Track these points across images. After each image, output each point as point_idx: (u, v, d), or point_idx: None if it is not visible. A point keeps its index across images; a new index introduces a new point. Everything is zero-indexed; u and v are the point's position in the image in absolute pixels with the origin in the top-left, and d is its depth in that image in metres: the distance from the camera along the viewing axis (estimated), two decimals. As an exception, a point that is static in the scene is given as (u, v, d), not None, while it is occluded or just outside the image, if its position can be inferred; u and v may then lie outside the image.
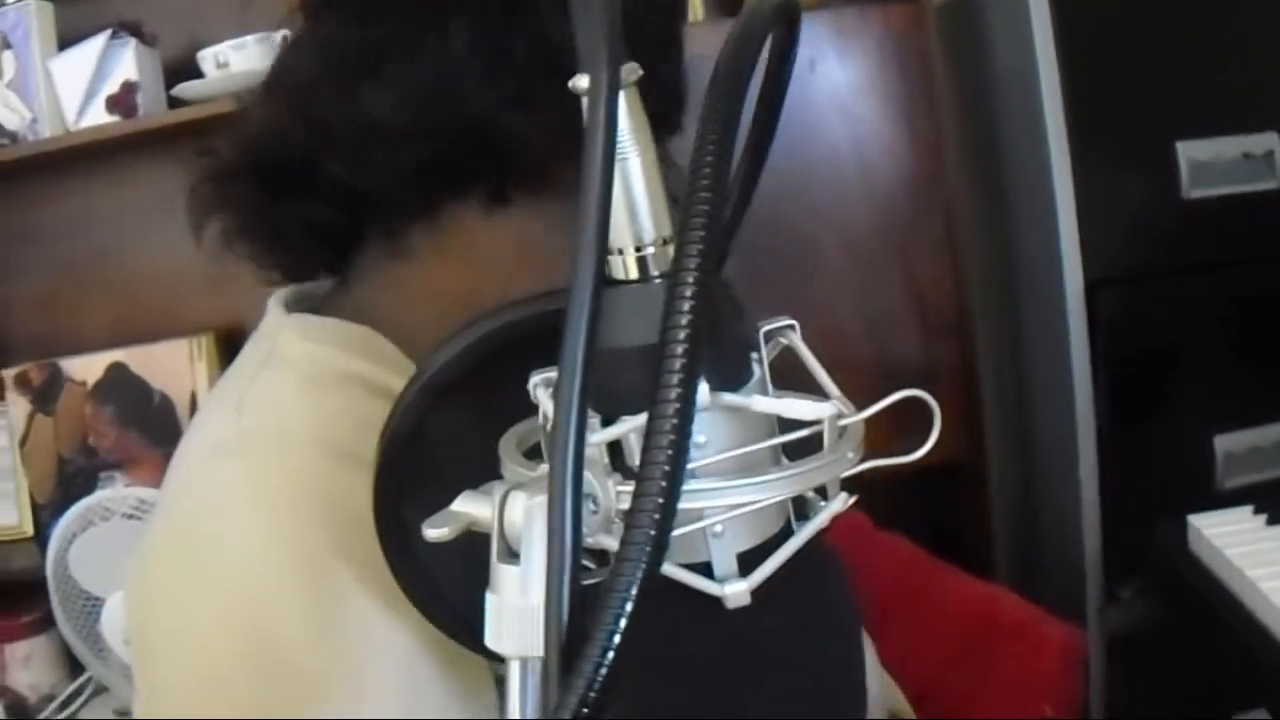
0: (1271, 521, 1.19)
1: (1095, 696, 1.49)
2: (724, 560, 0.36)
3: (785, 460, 0.37)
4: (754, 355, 0.37)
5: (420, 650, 0.56)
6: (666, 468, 0.29)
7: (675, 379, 0.29)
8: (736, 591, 0.35)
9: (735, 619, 0.35)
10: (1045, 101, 1.49)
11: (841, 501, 0.38)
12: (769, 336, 0.39)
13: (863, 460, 0.38)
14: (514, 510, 0.34)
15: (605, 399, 0.35)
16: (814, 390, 0.38)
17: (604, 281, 0.30)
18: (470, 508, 0.35)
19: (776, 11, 0.35)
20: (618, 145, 0.32)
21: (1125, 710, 1.50)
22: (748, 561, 0.36)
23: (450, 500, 0.36)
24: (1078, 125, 1.50)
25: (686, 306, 0.29)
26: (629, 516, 0.29)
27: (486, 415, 0.40)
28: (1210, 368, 1.56)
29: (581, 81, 0.32)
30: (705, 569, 0.36)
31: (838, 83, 1.51)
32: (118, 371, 1.69)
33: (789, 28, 0.37)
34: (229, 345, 1.68)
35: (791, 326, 0.40)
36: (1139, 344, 1.55)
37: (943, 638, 1.24)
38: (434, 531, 0.35)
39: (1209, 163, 1.55)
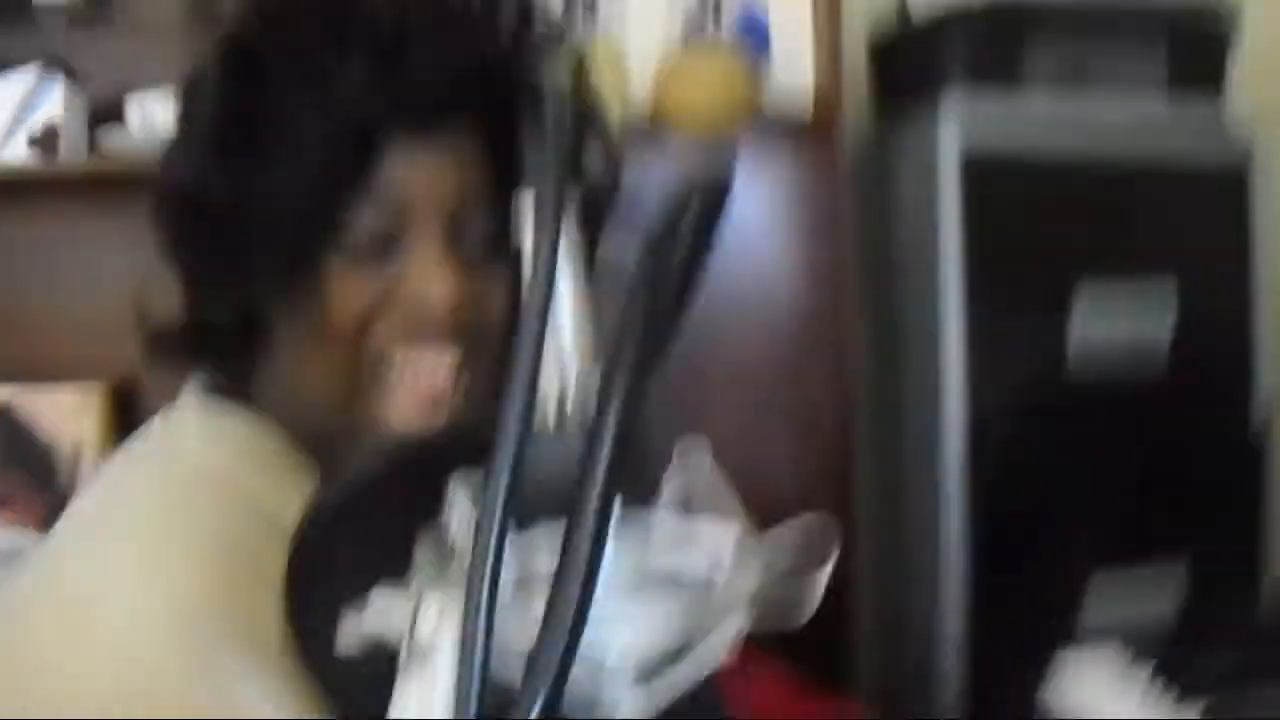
0: (1133, 661, 1.22)
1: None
2: (621, 678, 0.37)
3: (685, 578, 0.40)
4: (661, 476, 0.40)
5: None
6: (577, 588, 0.31)
7: (593, 501, 0.32)
8: (632, 707, 0.36)
9: None
10: (943, 242, 1.56)
11: (740, 618, 0.40)
12: (679, 457, 0.42)
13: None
14: (426, 622, 0.36)
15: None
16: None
17: (532, 407, 0.33)
18: (387, 601, 0.38)
19: (708, 193, 0.38)
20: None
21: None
22: (644, 681, 0.38)
23: (357, 584, 0.39)
24: (974, 264, 1.57)
25: (611, 431, 0.32)
26: (544, 624, 0.31)
27: (402, 508, 0.42)
28: (1085, 508, 1.61)
29: (526, 208, 0.35)
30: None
31: (744, 217, 1.56)
32: (5, 411, 1.66)
33: (719, 202, 0.39)
34: (121, 398, 1.66)
35: (703, 449, 0.42)
36: (1016, 486, 1.60)
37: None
38: (350, 631, 0.38)
39: (1102, 305, 1.61)
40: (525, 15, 0.72)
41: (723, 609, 0.39)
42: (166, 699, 0.59)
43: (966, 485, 1.56)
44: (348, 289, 0.67)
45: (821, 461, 1.58)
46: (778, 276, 1.58)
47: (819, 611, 1.51)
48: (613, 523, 0.34)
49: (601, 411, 0.33)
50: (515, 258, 0.70)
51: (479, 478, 0.37)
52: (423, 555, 0.39)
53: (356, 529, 0.45)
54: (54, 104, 1.63)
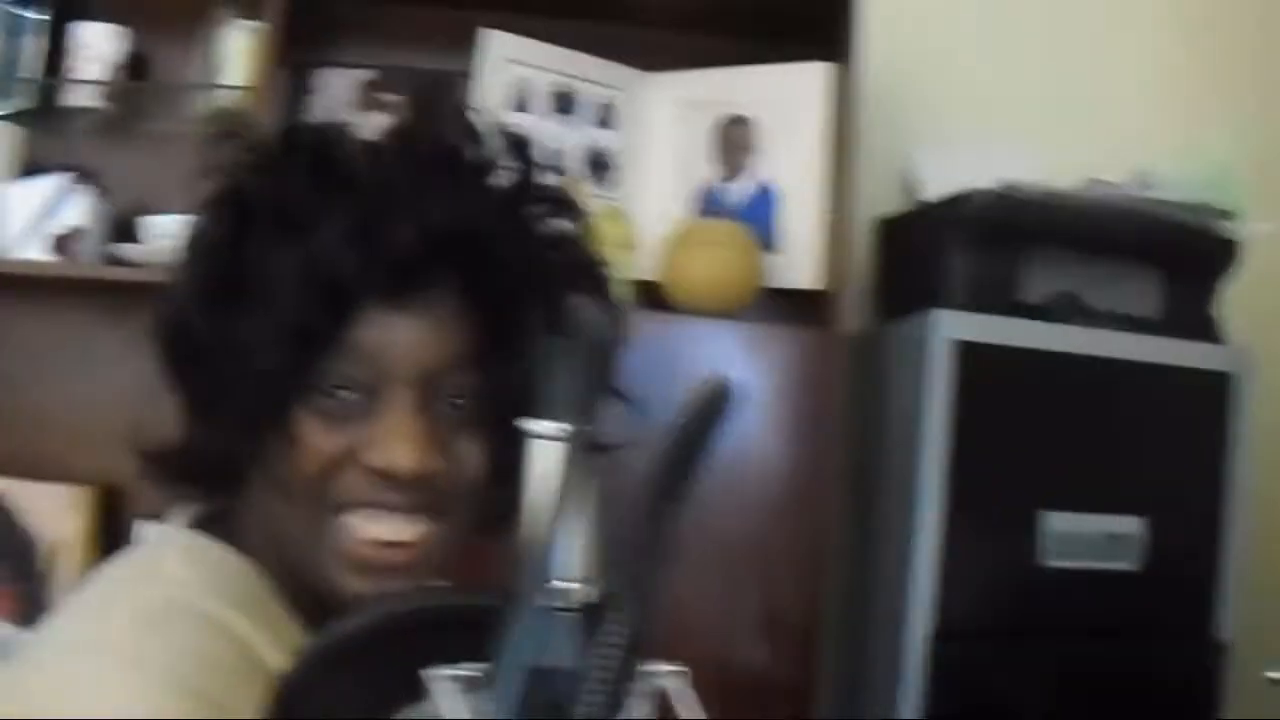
0: None
1: None
2: None
3: None
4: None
5: None
6: None
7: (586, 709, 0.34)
8: None
9: None
10: (928, 448, 1.58)
11: None
12: (661, 679, 0.43)
13: None
14: None
15: None
16: None
17: (552, 615, 0.35)
18: None
19: (721, 397, 0.40)
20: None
21: None
22: None
23: None
24: (955, 476, 1.59)
25: (608, 655, 0.35)
26: None
27: (372, 686, 0.43)
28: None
29: (535, 426, 0.37)
30: None
31: (737, 394, 1.57)
32: (-6, 501, 1.70)
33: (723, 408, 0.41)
34: (109, 502, 1.70)
35: (680, 673, 0.43)
36: (972, 697, 1.61)
37: None
38: None
39: (1072, 535, 1.64)
40: (524, 173, 0.73)
41: None
42: None
43: (927, 685, 1.56)
44: (314, 441, 0.68)
45: (787, 644, 1.59)
46: (764, 456, 1.59)
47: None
48: None
49: (615, 606, 0.36)
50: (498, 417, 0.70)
51: (454, 670, 0.40)
52: None
53: (330, 701, 0.47)
54: (78, 211, 1.68)
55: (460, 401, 0.70)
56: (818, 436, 1.59)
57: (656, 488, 0.37)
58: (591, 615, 0.38)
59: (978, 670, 1.62)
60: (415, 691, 0.40)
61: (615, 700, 0.36)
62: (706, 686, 1.52)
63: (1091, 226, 1.70)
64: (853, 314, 1.70)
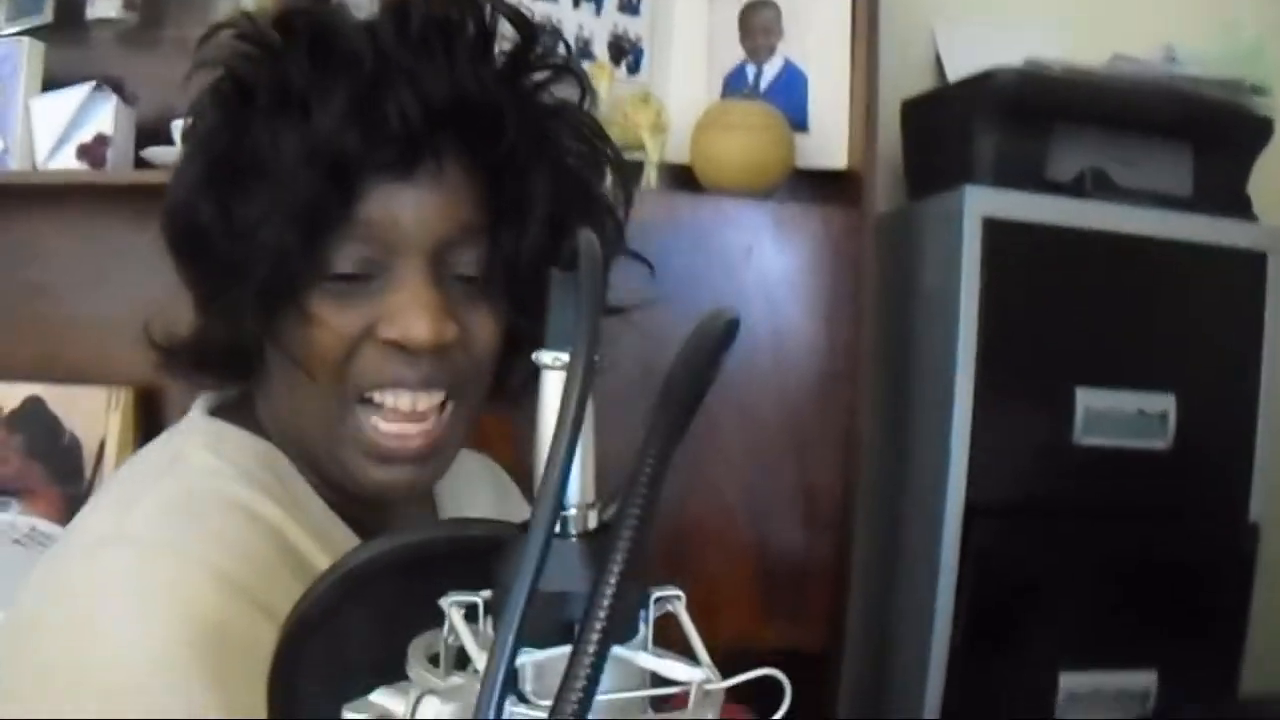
0: None
1: None
2: None
3: (651, 710, 0.41)
4: (641, 614, 0.42)
5: None
6: (575, 708, 0.33)
7: (596, 635, 0.34)
8: None
9: None
10: (961, 325, 1.58)
11: None
12: (657, 601, 0.43)
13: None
14: (426, 712, 0.38)
15: None
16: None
17: (552, 540, 0.35)
18: (387, 701, 0.40)
19: (727, 332, 0.40)
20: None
21: None
22: None
23: (342, 682, 0.40)
24: (987, 353, 1.59)
25: (616, 574, 0.35)
26: None
27: (389, 613, 0.43)
28: (1068, 607, 1.63)
29: (545, 357, 0.38)
30: None
31: (769, 273, 1.58)
32: (34, 405, 1.72)
33: (729, 342, 0.41)
34: (147, 402, 1.72)
35: (678, 596, 0.43)
36: (1006, 573, 1.62)
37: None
38: (355, 716, 0.40)
39: (1104, 413, 1.63)
40: (525, 45, 0.73)
41: None
42: None
43: (960, 560, 1.58)
44: (329, 322, 0.68)
45: (822, 521, 1.60)
46: (797, 336, 1.59)
47: (804, 676, 1.53)
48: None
49: (616, 531, 0.36)
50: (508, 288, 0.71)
51: (470, 597, 0.40)
52: (415, 662, 0.41)
53: (345, 631, 0.47)
54: (104, 119, 1.69)
55: (472, 274, 0.71)
56: (849, 315, 1.59)
57: (661, 417, 0.37)
58: (596, 541, 0.39)
59: (1011, 548, 1.63)
60: (427, 620, 0.41)
61: (619, 622, 0.36)
62: (742, 566, 1.55)
63: (1120, 103, 1.69)
64: (882, 193, 1.69)
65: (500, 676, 0.34)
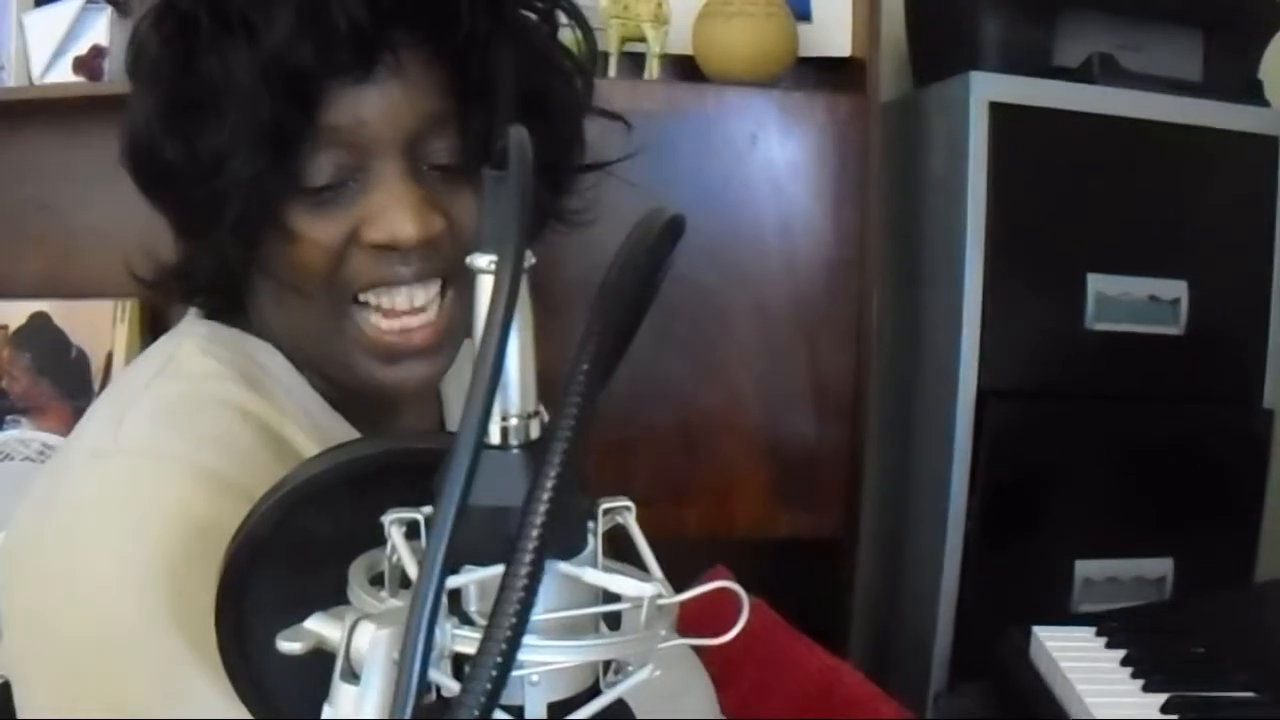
0: (1111, 644, 1.24)
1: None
2: (536, 707, 0.38)
3: (605, 626, 0.40)
4: (590, 527, 0.40)
5: None
6: (511, 626, 0.32)
7: (530, 549, 0.33)
8: None
9: None
10: (969, 211, 1.56)
11: (647, 671, 0.40)
12: (606, 513, 0.42)
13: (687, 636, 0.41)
14: (361, 638, 0.37)
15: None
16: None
17: (481, 450, 0.33)
18: (321, 628, 0.39)
19: (669, 229, 0.39)
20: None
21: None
22: (555, 710, 0.39)
23: (287, 602, 0.40)
24: (996, 239, 1.57)
25: (549, 485, 0.33)
26: (474, 662, 0.33)
27: (343, 531, 0.42)
28: (1083, 494, 1.63)
29: (480, 260, 0.36)
30: (516, 713, 0.38)
31: (774, 161, 1.56)
32: (40, 321, 1.71)
33: (674, 240, 0.40)
34: (153, 312, 1.71)
35: (628, 508, 0.42)
36: (1020, 459, 1.62)
37: (781, 702, 1.29)
38: (288, 645, 0.38)
39: (1116, 298, 1.62)
40: None
41: (635, 658, 0.40)
42: (125, 657, 0.60)
43: (973, 447, 1.57)
44: (312, 234, 0.68)
45: (834, 409, 1.60)
46: (805, 225, 1.59)
47: (818, 558, 1.52)
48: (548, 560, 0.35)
49: (551, 438, 0.34)
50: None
51: (411, 512, 0.39)
52: (356, 583, 0.40)
53: (288, 550, 0.46)
54: (99, 31, 1.68)
55: (447, 162, 0.70)
56: (857, 203, 1.58)
57: (596, 319, 0.36)
58: (533, 450, 0.37)
59: (1024, 432, 1.62)
60: (380, 538, 0.40)
61: (557, 534, 0.35)
62: (755, 455, 1.54)
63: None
64: (888, 81, 1.68)
65: (430, 598, 0.32)
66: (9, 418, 1.73)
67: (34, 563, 0.65)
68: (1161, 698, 1.11)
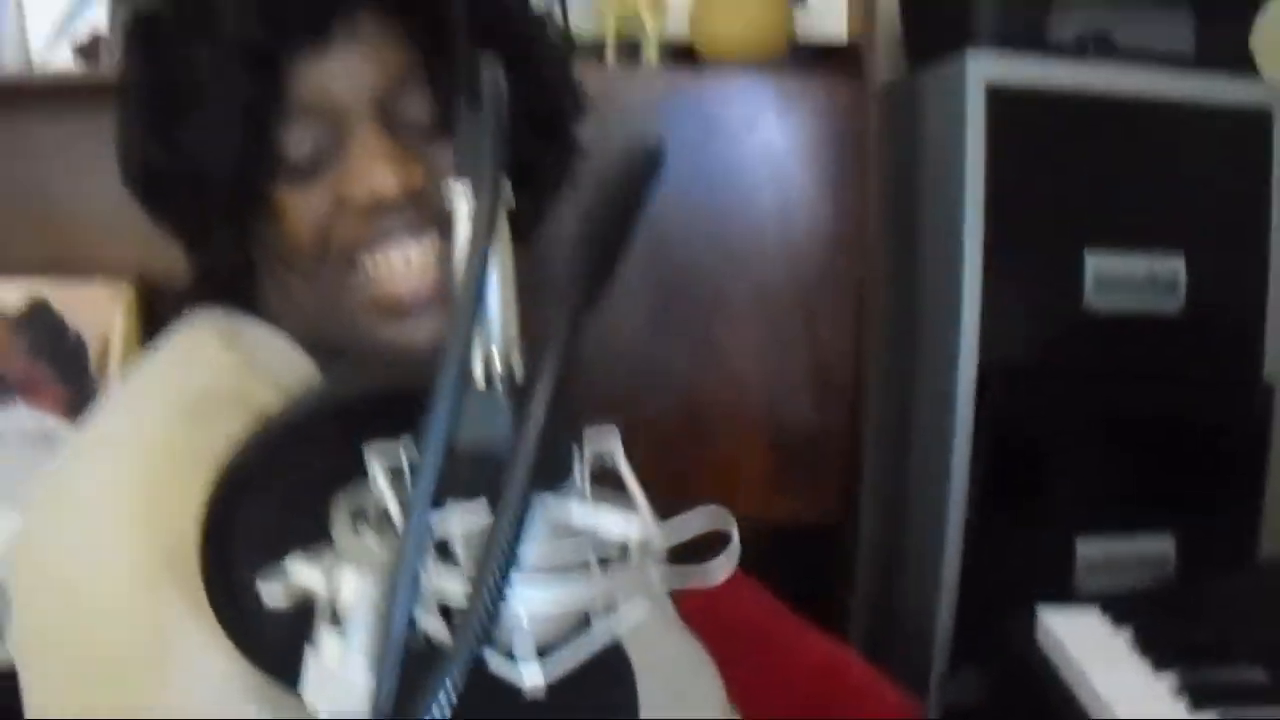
0: (1117, 624, 1.24)
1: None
2: (525, 649, 0.37)
3: (595, 563, 0.39)
4: (577, 458, 0.40)
5: (242, 684, 0.55)
6: (499, 570, 0.33)
7: (517, 492, 0.33)
8: (533, 676, 0.37)
9: (525, 707, 0.37)
10: (968, 190, 1.57)
11: (641, 611, 0.40)
12: (594, 445, 0.42)
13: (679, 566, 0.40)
14: (345, 585, 0.37)
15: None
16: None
17: (464, 389, 0.33)
18: (303, 572, 0.38)
19: (649, 161, 0.39)
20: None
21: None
22: (545, 653, 0.38)
23: (273, 538, 0.39)
24: (995, 217, 1.57)
25: (535, 428, 0.33)
26: (468, 605, 0.33)
27: (331, 467, 0.42)
28: (1084, 473, 1.62)
29: (459, 198, 0.36)
30: (506, 654, 0.38)
31: (773, 144, 1.56)
32: (38, 303, 1.71)
33: (654, 170, 0.40)
34: (148, 294, 1.71)
35: (613, 433, 0.42)
36: (1021, 438, 1.61)
37: (783, 689, 1.28)
38: (269, 589, 0.38)
39: (1114, 276, 1.62)
40: None
41: (625, 590, 0.40)
42: (126, 657, 0.59)
43: (974, 427, 1.57)
44: (299, 206, 0.69)
45: (834, 392, 1.60)
46: (804, 208, 1.59)
47: (818, 543, 1.52)
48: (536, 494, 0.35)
49: (534, 375, 0.34)
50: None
51: (395, 447, 0.39)
52: (339, 522, 0.40)
53: (272, 487, 0.45)
54: (99, 17, 1.68)
55: (422, 119, 0.70)
56: (856, 186, 1.58)
57: (584, 253, 0.36)
58: (517, 389, 0.37)
59: (1025, 412, 1.62)
60: (358, 472, 0.39)
61: (548, 469, 0.35)
62: (755, 438, 1.53)
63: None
64: (884, 63, 1.68)
65: (413, 553, 0.32)
66: (2, 396, 1.73)
67: (49, 550, 0.64)
68: (1171, 678, 1.11)
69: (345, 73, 0.68)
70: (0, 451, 1.54)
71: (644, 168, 0.39)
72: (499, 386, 0.37)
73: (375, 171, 0.68)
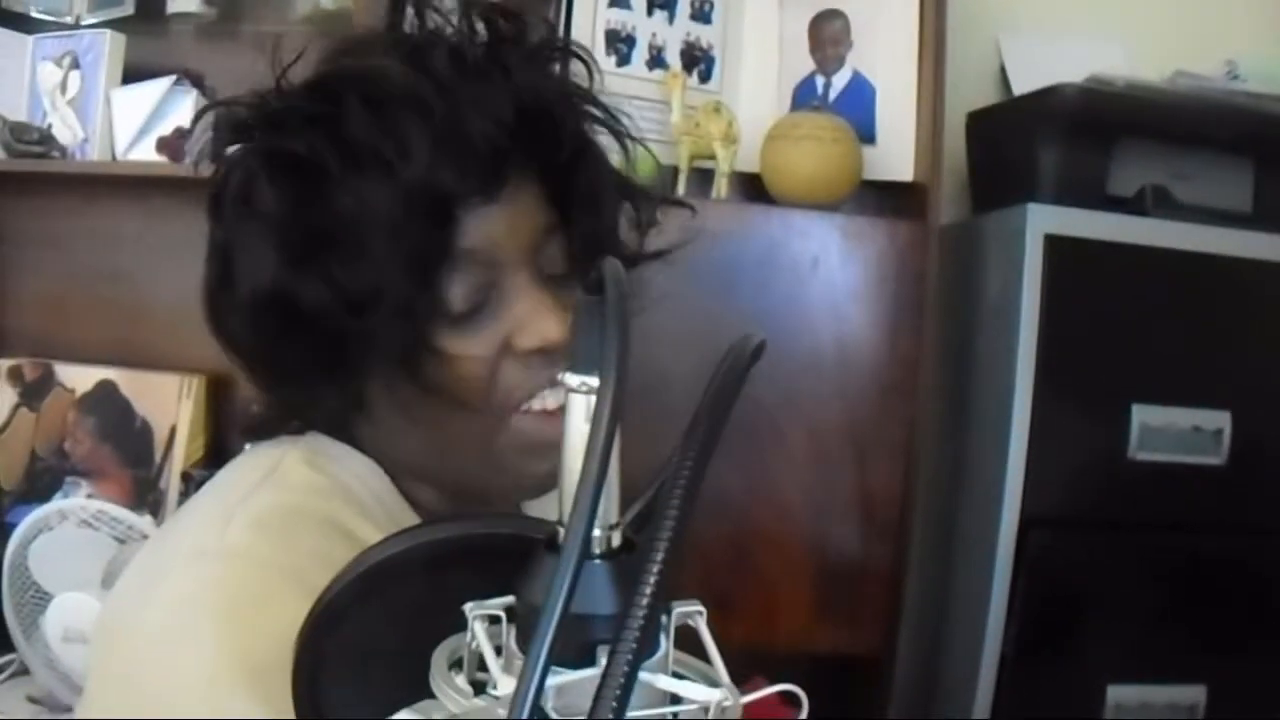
0: None
1: None
2: None
3: None
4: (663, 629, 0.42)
5: None
6: None
7: (626, 659, 0.34)
8: None
9: None
10: (1021, 340, 1.59)
11: None
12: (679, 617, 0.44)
13: None
14: None
15: None
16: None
17: (585, 562, 0.35)
18: None
19: (756, 353, 0.41)
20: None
21: None
22: None
23: (366, 677, 0.41)
24: (1045, 365, 1.60)
25: (648, 594, 0.35)
26: None
27: (414, 607, 0.44)
28: (1119, 621, 1.65)
29: (571, 380, 0.38)
30: None
31: (835, 284, 1.60)
32: (107, 388, 1.76)
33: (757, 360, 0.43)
34: (218, 390, 1.76)
35: (700, 612, 0.43)
36: (1059, 584, 1.64)
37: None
38: None
39: (1159, 428, 1.65)
40: (547, 40, 0.77)
41: None
42: None
43: (1014, 573, 1.59)
44: (468, 352, 0.71)
45: (879, 530, 1.62)
46: (861, 346, 1.62)
47: (856, 681, 1.54)
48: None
49: (648, 551, 0.36)
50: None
51: (495, 609, 0.40)
52: (439, 678, 0.41)
53: (369, 625, 0.46)
54: (183, 113, 1.73)
55: (559, 271, 0.74)
56: (913, 326, 1.61)
57: (694, 440, 0.38)
58: (620, 561, 0.39)
59: (1065, 560, 1.64)
60: (453, 612, 0.41)
61: (648, 640, 0.36)
62: (801, 570, 1.56)
63: (1181, 119, 1.70)
64: (947, 206, 1.71)
65: (527, 710, 0.34)
66: (69, 479, 1.78)
67: (125, 653, 0.65)
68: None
69: (509, 225, 0.71)
70: (61, 532, 1.58)
71: (750, 360, 0.41)
72: (599, 557, 0.39)
73: (544, 321, 0.71)
